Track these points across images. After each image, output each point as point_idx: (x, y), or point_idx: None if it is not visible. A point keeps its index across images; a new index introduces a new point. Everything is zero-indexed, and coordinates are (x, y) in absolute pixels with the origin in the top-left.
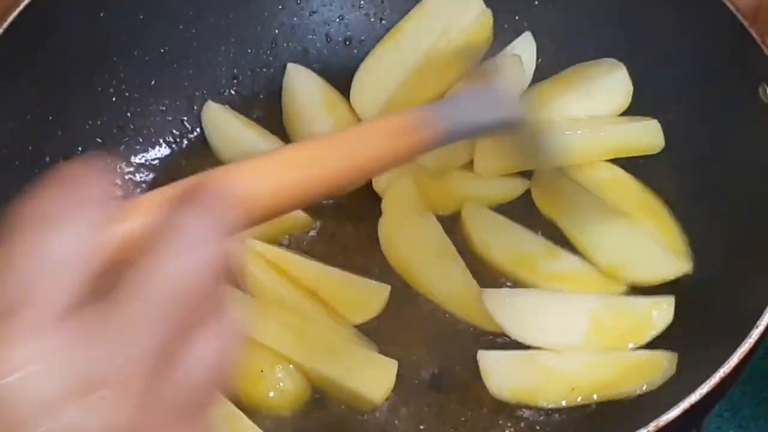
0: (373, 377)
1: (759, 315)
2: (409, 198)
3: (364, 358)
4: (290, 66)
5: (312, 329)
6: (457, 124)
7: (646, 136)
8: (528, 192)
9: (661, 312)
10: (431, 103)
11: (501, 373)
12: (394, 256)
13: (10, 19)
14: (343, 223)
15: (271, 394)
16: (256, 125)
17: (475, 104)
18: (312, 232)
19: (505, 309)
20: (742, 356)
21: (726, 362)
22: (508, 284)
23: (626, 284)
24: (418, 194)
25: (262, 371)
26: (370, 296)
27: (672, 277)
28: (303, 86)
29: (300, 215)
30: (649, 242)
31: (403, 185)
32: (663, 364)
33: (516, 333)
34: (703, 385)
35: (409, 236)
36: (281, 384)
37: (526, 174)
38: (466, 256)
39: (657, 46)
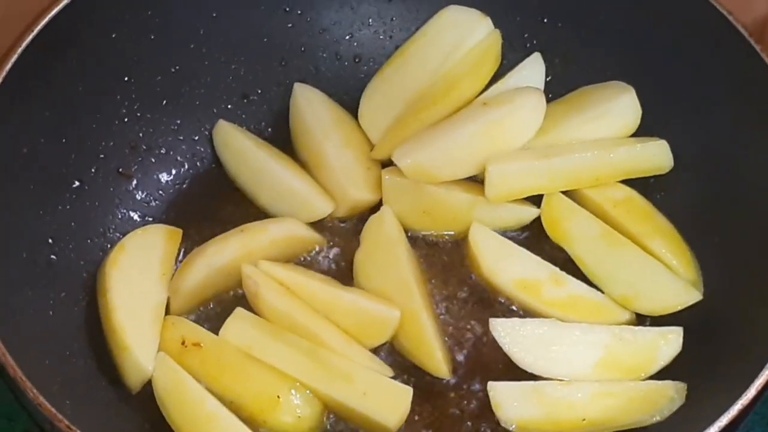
0: (388, 404)
1: None
2: (389, 229)
3: (380, 385)
4: (297, 86)
5: (327, 354)
6: None
7: (655, 156)
8: (539, 218)
9: (669, 343)
10: None
11: (511, 404)
12: (366, 286)
13: (24, 45)
14: (357, 243)
15: (288, 419)
16: (268, 145)
17: None
18: (326, 252)
19: (515, 339)
20: (760, 387)
21: (743, 394)
22: (513, 308)
23: (634, 313)
24: (398, 225)
25: (279, 397)
26: (381, 321)
27: (682, 307)
28: (310, 105)
29: (314, 236)
30: (660, 271)
31: (384, 216)
32: (672, 394)
33: (526, 363)
34: (720, 418)
35: (380, 268)
36: (298, 410)
37: (537, 201)
38: (471, 278)
39: (665, 67)
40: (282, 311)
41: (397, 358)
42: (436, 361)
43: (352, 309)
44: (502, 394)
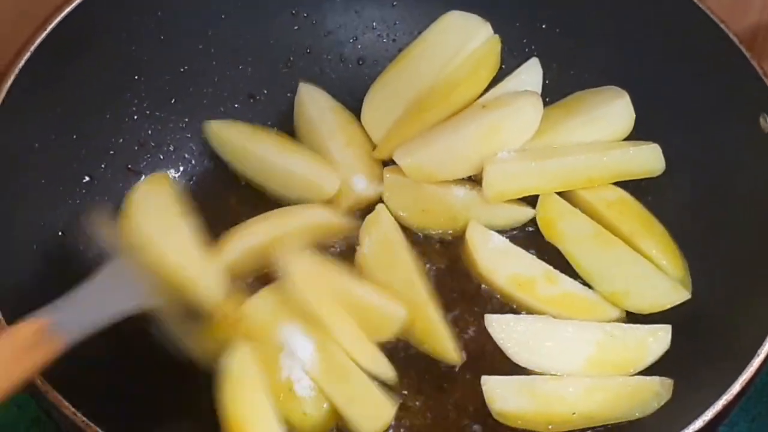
0: (370, 413)
1: (760, 342)
2: (386, 227)
3: (367, 393)
4: (302, 85)
5: (335, 349)
6: (81, 326)
7: (648, 159)
8: (534, 219)
9: (657, 340)
10: (48, 309)
11: (504, 397)
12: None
13: (37, 43)
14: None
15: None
16: (273, 144)
17: (98, 297)
18: (337, 245)
19: (509, 334)
20: (744, 383)
21: (728, 389)
22: (508, 304)
23: (625, 310)
24: (393, 222)
25: (291, 390)
26: (388, 318)
27: (671, 305)
28: (314, 105)
29: (344, 224)
30: (650, 270)
31: (380, 215)
32: (659, 389)
33: (519, 358)
34: (706, 412)
35: (383, 266)
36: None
37: (532, 202)
38: (467, 275)
39: (659, 73)
40: (302, 299)
41: (402, 348)
42: (447, 347)
43: (361, 303)
44: (496, 388)
